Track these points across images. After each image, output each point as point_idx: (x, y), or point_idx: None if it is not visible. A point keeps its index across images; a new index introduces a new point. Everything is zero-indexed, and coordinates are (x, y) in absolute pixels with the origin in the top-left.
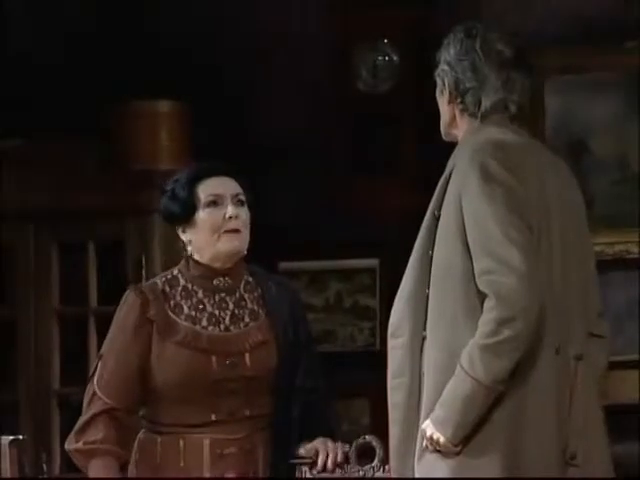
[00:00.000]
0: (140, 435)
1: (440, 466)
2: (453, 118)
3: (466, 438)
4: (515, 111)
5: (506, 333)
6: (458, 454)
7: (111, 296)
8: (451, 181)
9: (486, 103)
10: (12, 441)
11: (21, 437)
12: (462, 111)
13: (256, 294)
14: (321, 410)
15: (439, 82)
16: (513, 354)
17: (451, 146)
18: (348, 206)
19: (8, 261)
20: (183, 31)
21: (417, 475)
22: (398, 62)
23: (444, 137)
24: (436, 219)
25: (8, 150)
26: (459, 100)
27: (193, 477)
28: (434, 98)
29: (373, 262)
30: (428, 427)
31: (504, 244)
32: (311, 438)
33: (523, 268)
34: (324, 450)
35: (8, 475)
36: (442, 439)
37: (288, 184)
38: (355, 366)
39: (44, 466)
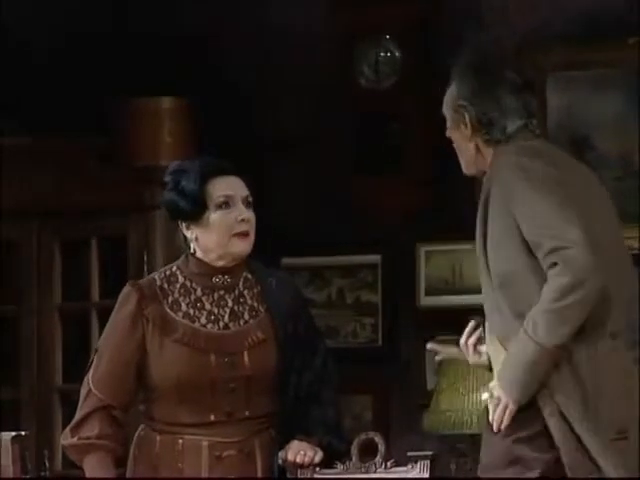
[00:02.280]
0: (140, 431)
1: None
2: (477, 151)
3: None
4: (536, 132)
5: (571, 299)
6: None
7: (113, 292)
8: (492, 198)
9: (512, 127)
10: (14, 437)
11: (23, 433)
12: (487, 141)
13: (255, 291)
14: (308, 407)
15: (456, 118)
16: (576, 319)
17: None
18: (350, 202)
19: (11, 258)
20: (186, 29)
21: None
22: (400, 58)
23: (468, 172)
24: (484, 241)
25: (11, 147)
26: (484, 131)
27: (192, 477)
28: (435, 95)
29: (375, 258)
30: (495, 388)
31: (556, 219)
32: (291, 437)
33: (582, 240)
34: (292, 453)
35: (10, 471)
36: (506, 400)
37: (290, 181)
38: (357, 362)
39: (46, 462)
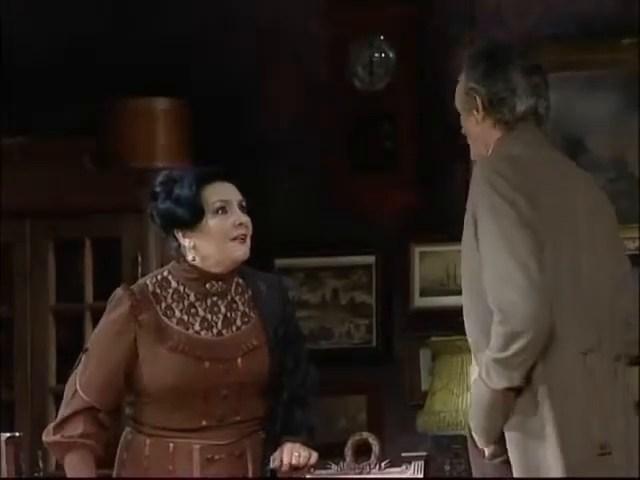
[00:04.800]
0: (127, 434)
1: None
2: (488, 135)
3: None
4: (545, 115)
5: (514, 348)
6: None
7: (107, 293)
8: (468, 198)
9: (520, 108)
10: (9, 438)
11: (17, 434)
12: (497, 122)
13: (247, 296)
14: (292, 410)
15: (468, 103)
16: (524, 364)
17: (448, 142)
18: (345, 203)
19: (5, 258)
20: (181, 29)
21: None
22: (394, 59)
23: (477, 159)
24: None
25: (5, 148)
26: (496, 111)
27: (184, 478)
28: (430, 95)
29: (369, 259)
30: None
31: (506, 259)
32: (279, 438)
33: (524, 282)
34: (287, 454)
35: (4, 471)
36: (480, 444)
37: (285, 182)
38: (352, 363)
39: (40, 463)
